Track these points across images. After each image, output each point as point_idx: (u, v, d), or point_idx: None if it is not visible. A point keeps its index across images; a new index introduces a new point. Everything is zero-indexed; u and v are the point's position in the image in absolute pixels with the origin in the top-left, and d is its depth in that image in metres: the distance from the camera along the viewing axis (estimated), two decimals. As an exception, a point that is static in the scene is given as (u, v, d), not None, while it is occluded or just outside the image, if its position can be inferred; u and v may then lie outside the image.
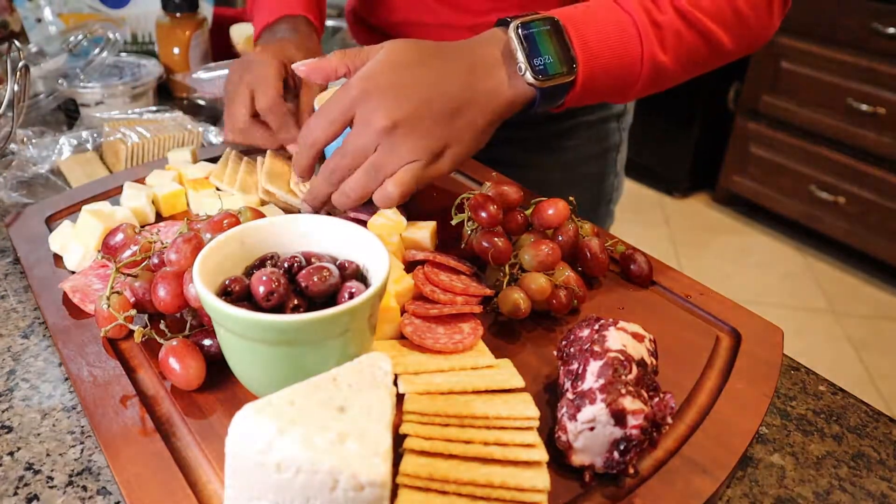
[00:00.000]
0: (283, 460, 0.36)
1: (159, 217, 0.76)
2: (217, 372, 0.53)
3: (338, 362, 0.45)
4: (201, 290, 0.46)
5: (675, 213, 2.96)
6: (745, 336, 0.60)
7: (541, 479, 0.44)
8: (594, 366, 0.47)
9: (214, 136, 0.99)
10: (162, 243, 0.59)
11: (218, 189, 0.78)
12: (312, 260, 0.51)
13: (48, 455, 0.50)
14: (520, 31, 0.64)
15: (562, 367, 0.52)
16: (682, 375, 0.56)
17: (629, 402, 0.44)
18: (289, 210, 0.76)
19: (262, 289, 0.47)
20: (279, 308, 0.48)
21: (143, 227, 0.73)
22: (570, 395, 0.47)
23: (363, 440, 0.37)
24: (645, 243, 0.81)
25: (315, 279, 0.48)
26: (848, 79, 2.35)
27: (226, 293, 0.48)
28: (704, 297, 0.65)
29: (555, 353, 0.54)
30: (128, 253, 0.59)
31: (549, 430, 0.50)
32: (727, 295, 0.66)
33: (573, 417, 0.45)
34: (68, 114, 1.04)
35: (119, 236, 0.61)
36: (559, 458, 0.47)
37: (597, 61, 0.66)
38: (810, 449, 0.54)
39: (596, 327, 0.51)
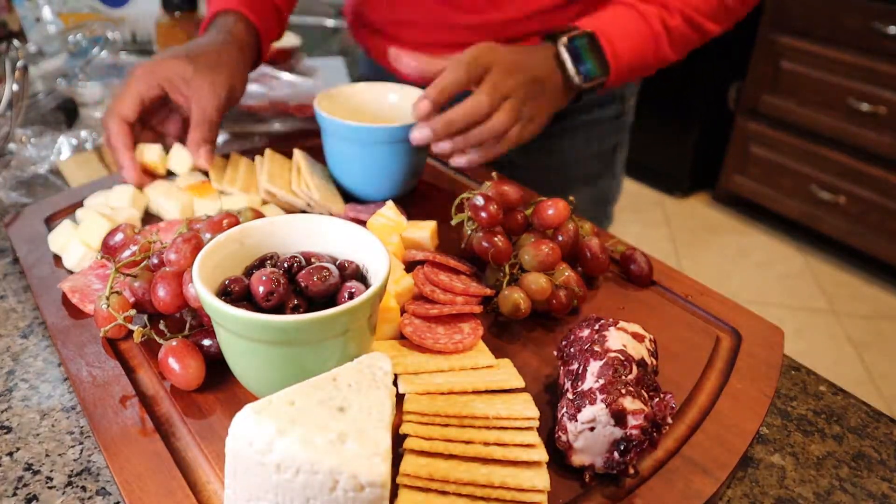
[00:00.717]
0: (283, 460, 0.36)
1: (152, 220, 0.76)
2: (217, 372, 0.53)
3: (338, 362, 0.45)
4: (201, 290, 0.46)
5: (675, 213, 2.96)
6: (746, 336, 0.60)
7: (541, 479, 0.44)
8: (594, 366, 0.47)
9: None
10: (162, 243, 0.59)
11: (221, 193, 0.77)
12: (312, 260, 0.51)
13: (47, 455, 0.50)
14: (567, 44, 0.80)
15: (562, 367, 0.52)
16: (682, 375, 0.56)
17: (629, 403, 0.44)
18: (289, 210, 0.76)
19: (261, 289, 0.47)
20: (279, 308, 0.48)
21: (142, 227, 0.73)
22: (570, 395, 0.47)
23: (363, 440, 0.37)
24: (645, 243, 0.81)
25: (315, 279, 0.48)
26: (848, 78, 2.34)
27: (225, 293, 0.48)
28: (704, 297, 0.65)
29: (555, 353, 0.54)
30: (127, 253, 0.59)
31: (549, 430, 0.50)
32: (727, 295, 0.66)
33: (573, 417, 0.45)
34: (67, 113, 1.04)
35: (119, 236, 0.61)
36: (559, 458, 0.47)
37: (623, 64, 0.83)
38: (811, 449, 0.54)
39: (596, 327, 0.51)
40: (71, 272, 0.66)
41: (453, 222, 0.65)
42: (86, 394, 0.51)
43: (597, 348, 0.48)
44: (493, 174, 0.69)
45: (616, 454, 0.45)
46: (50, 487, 0.47)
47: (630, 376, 0.46)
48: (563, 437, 0.46)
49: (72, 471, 0.49)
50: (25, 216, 0.75)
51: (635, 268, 0.67)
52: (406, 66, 0.75)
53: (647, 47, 0.84)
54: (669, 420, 0.45)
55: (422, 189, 0.84)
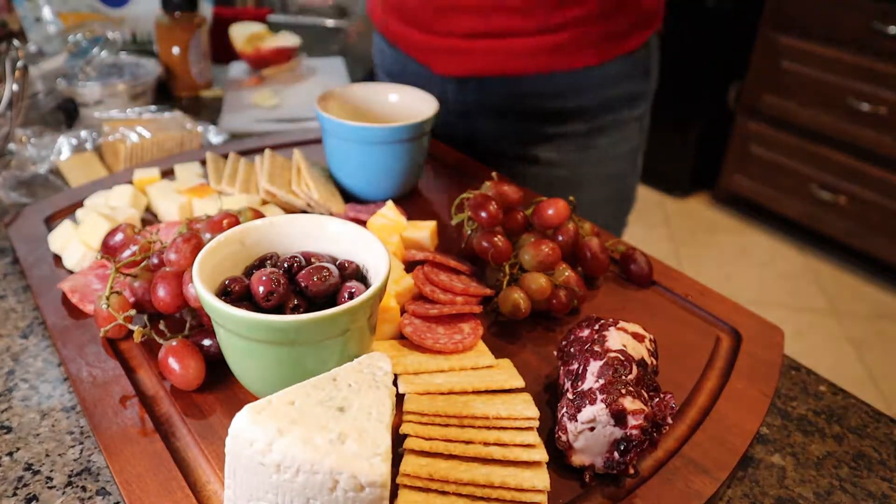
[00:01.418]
0: (283, 460, 0.36)
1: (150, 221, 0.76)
2: (217, 372, 0.53)
3: (338, 362, 0.45)
4: (201, 290, 0.46)
5: (675, 213, 2.95)
6: (746, 336, 0.60)
7: (541, 479, 0.43)
8: (594, 366, 0.47)
9: (214, 135, 0.99)
10: (161, 243, 0.59)
11: (220, 193, 0.77)
12: (312, 260, 0.51)
13: (47, 455, 0.50)
14: None
15: (562, 367, 0.52)
16: (682, 375, 0.56)
17: (629, 402, 0.44)
18: (289, 210, 0.76)
19: (261, 289, 0.47)
20: (279, 308, 0.48)
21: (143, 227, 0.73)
22: (570, 395, 0.47)
23: (363, 440, 0.37)
24: (645, 243, 0.81)
25: (315, 279, 0.48)
26: (849, 78, 2.34)
27: (225, 293, 0.48)
28: (704, 297, 0.65)
29: (555, 353, 0.54)
30: (127, 253, 0.59)
31: (549, 430, 0.50)
32: (727, 295, 0.66)
33: (573, 417, 0.45)
34: (67, 113, 1.04)
35: (118, 236, 0.61)
36: (559, 458, 0.47)
37: None
38: (811, 449, 0.54)
39: (596, 327, 0.51)
40: (71, 272, 0.66)
41: (453, 222, 0.65)
42: (86, 394, 0.51)
43: (597, 348, 0.48)
44: (493, 174, 0.69)
45: (616, 454, 0.45)
46: (50, 487, 0.47)
47: (630, 376, 0.46)
48: (563, 437, 0.46)
49: (72, 471, 0.49)
50: (25, 216, 0.75)
51: (635, 268, 0.67)
52: None
53: None
54: (669, 420, 0.45)
55: (422, 189, 0.84)
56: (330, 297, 0.49)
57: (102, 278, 0.63)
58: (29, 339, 0.61)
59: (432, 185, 0.86)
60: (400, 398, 0.50)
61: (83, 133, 0.94)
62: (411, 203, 0.80)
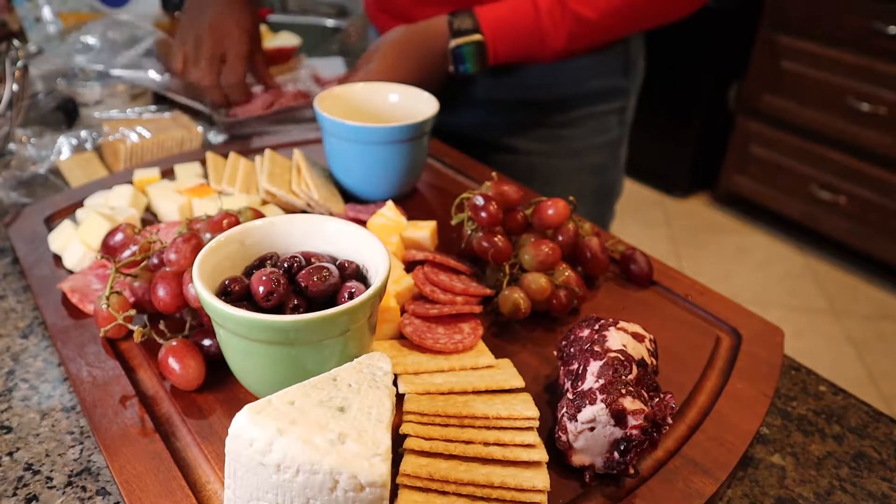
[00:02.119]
0: (283, 460, 0.36)
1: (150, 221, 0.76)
2: (217, 372, 0.53)
3: (338, 362, 0.45)
4: (201, 290, 0.46)
5: (675, 213, 2.95)
6: (746, 336, 0.60)
7: (541, 479, 0.43)
8: (594, 366, 0.47)
9: (214, 135, 0.99)
10: (161, 243, 0.59)
11: (220, 193, 0.77)
12: (312, 260, 0.51)
13: (47, 455, 0.50)
14: (454, 48, 0.88)
15: (562, 367, 0.52)
16: (682, 375, 0.56)
17: (629, 403, 0.44)
18: (289, 210, 0.76)
19: (261, 289, 0.47)
20: (279, 308, 0.48)
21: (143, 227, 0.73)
22: (570, 395, 0.47)
23: (363, 440, 0.37)
24: (645, 243, 0.81)
25: (315, 279, 0.48)
26: (849, 78, 2.34)
27: (225, 293, 0.48)
28: (704, 297, 0.65)
29: (555, 353, 0.54)
30: (127, 253, 0.59)
31: (549, 430, 0.50)
32: (727, 295, 0.66)
33: (573, 417, 0.45)
34: (67, 113, 1.04)
35: (118, 236, 0.61)
36: (559, 458, 0.47)
37: (501, 62, 0.91)
38: (811, 449, 0.54)
39: (596, 327, 0.51)
40: (71, 272, 0.66)
41: (453, 222, 0.65)
42: (86, 394, 0.51)
43: (597, 348, 0.48)
44: (493, 174, 0.69)
45: (616, 454, 0.45)
46: (50, 487, 0.47)
47: (630, 376, 0.46)
48: (563, 437, 0.46)
49: (72, 471, 0.49)
50: (25, 216, 0.75)
51: (635, 268, 0.67)
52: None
53: (532, 45, 0.90)
54: (669, 420, 0.45)
55: (422, 189, 0.84)
56: (330, 297, 0.49)
57: (102, 278, 0.63)
58: (29, 339, 0.61)
59: (432, 185, 0.86)
60: (400, 398, 0.50)
61: (83, 133, 0.94)
62: (411, 203, 0.81)
